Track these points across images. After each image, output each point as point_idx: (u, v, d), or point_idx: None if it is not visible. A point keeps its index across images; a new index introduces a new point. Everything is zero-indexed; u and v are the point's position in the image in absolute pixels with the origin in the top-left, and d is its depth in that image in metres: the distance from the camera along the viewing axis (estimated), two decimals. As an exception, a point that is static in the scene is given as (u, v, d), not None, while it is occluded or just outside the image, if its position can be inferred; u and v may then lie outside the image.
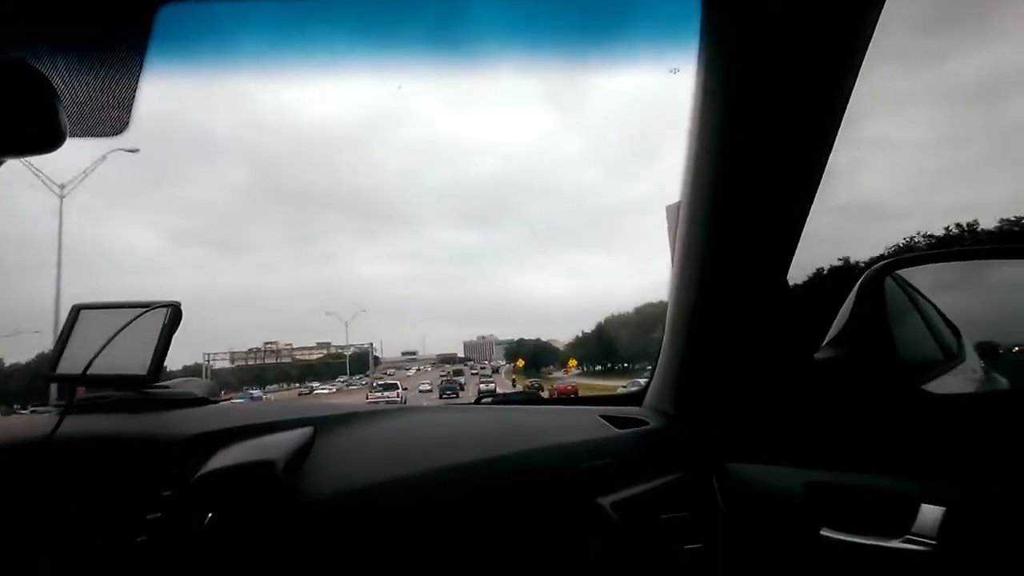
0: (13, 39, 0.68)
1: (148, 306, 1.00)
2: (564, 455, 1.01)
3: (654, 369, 1.23)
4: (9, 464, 0.83)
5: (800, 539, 0.92)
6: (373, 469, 0.91)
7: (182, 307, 1.03)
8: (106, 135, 0.78)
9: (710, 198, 0.92)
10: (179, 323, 1.01)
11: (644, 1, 0.93)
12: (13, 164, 0.72)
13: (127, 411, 0.96)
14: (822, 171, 0.86)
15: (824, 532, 0.90)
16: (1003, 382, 1.15)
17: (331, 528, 0.84)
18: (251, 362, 31.63)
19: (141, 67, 0.73)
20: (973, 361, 1.22)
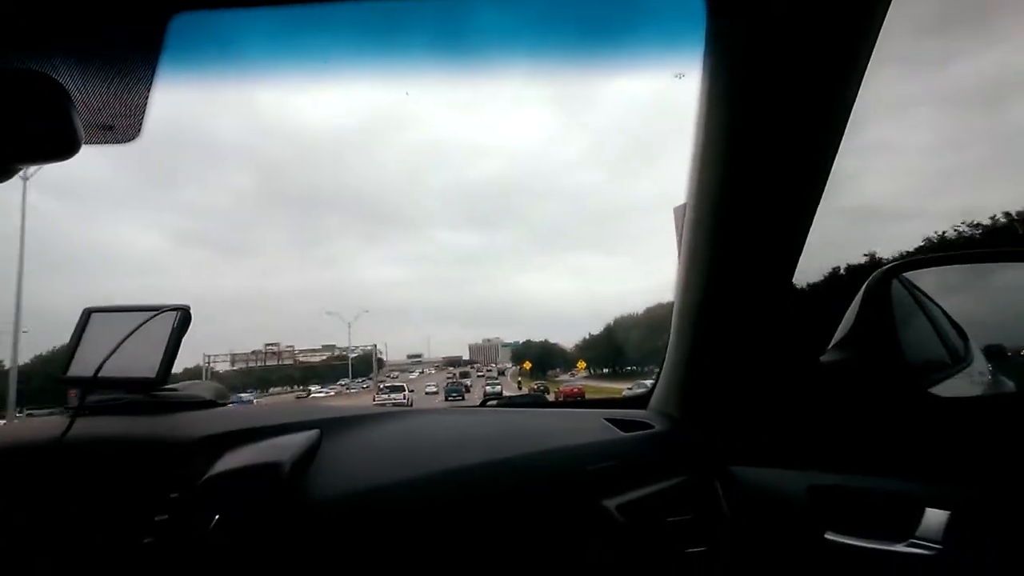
0: (30, 49, 0.70)
1: (158, 309, 1.02)
2: (569, 458, 1.01)
3: (659, 372, 1.24)
4: (22, 465, 0.85)
5: (804, 543, 0.92)
6: (379, 471, 0.92)
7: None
8: (119, 142, 0.80)
9: (715, 201, 0.92)
10: (188, 326, 1.03)
11: (649, 6, 0.93)
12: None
13: (136, 413, 0.98)
14: (827, 175, 0.86)
15: (828, 536, 0.90)
16: (1010, 385, 1.14)
17: (337, 530, 0.84)
18: (251, 364, 31.29)
19: (153, 75, 0.74)
20: (980, 364, 1.21)
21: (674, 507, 0.98)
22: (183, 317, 1.02)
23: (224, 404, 1.11)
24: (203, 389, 1.11)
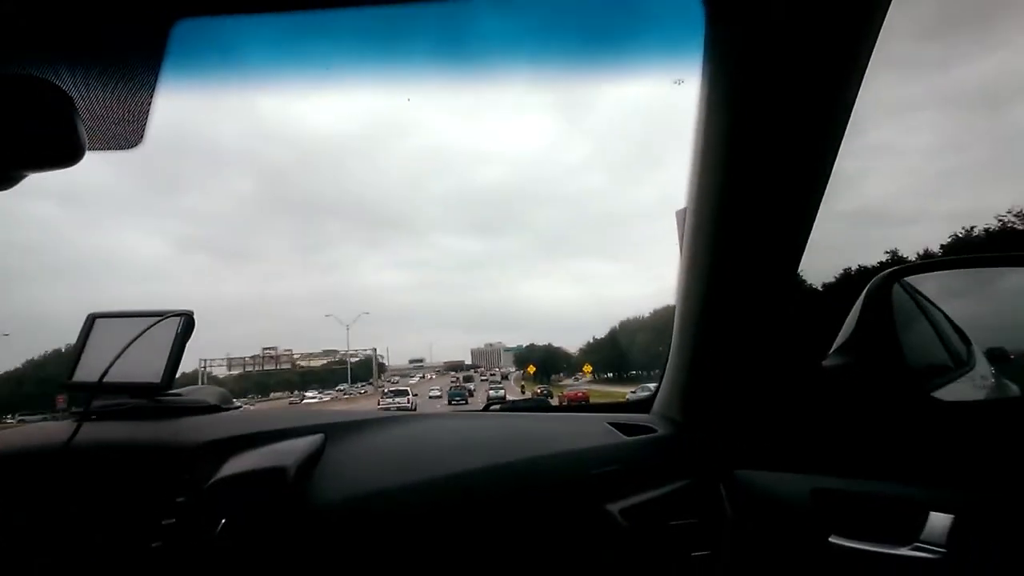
0: (34, 56, 0.70)
1: (162, 315, 1.02)
2: (573, 462, 1.01)
3: (662, 376, 1.24)
4: (30, 469, 0.85)
5: (808, 546, 0.92)
6: (383, 475, 0.92)
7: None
8: (121, 148, 0.80)
9: (715, 206, 0.92)
10: (192, 332, 1.03)
11: (648, 13, 0.94)
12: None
13: (141, 418, 0.98)
14: (827, 178, 0.87)
15: (832, 539, 0.90)
16: (1014, 389, 1.14)
17: (342, 534, 0.84)
18: (249, 368, 30.56)
19: (156, 81, 0.75)
20: (983, 368, 1.21)
21: (677, 511, 0.98)
22: (187, 322, 1.03)
23: (228, 409, 1.11)
24: (207, 394, 1.11)
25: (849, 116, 0.80)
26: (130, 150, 0.80)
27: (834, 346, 1.04)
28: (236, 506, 0.79)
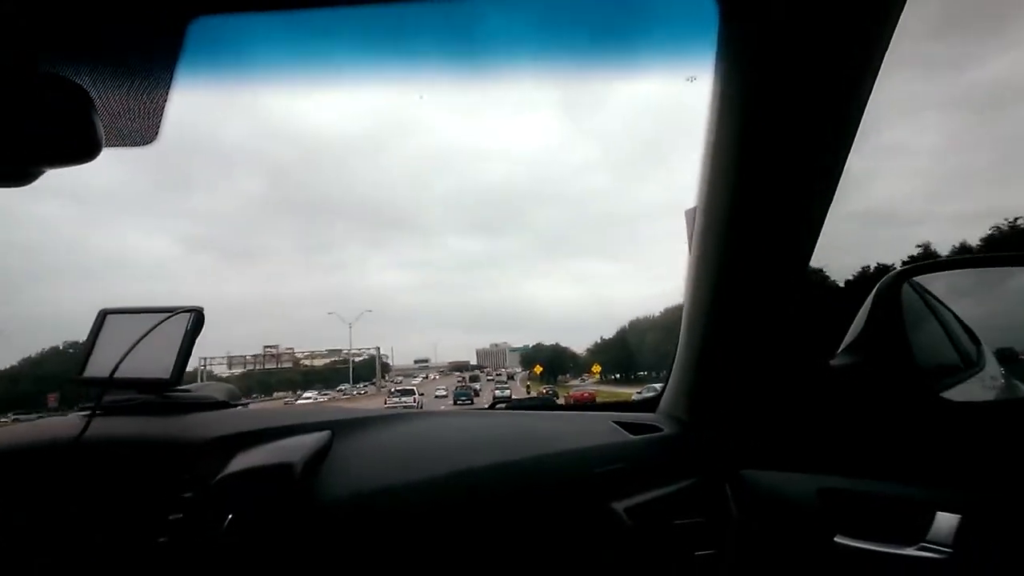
0: (53, 53, 0.71)
1: (172, 311, 1.03)
2: (578, 460, 1.01)
3: (668, 375, 1.24)
4: (40, 464, 0.86)
5: (814, 546, 0.92)
6: (389, 472, 0.92)
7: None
8: (137, 144, 0.81)
9: (726, 204, 0.92)
10: (202, 328, 1.04)
11: (660, 10, 0.94)
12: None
13: (151, 414, 0.99)
14: (839, 178, 0.86)
15: (838, 539, 0.89)
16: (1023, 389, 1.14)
17: (348, 530, 0.85)
18: (249, 367, 29.51)
19: (172, 78, 0.76)
20: (993, 368, 1.20)
21: (683, 510, 0.98)
22: (196, 318, 1.03)
23: (236, 405, 1.12)
24: (216, 390, 1.12)
25: (862, 116, 0.80)
26: (141, 147, 0.81)
27: (843, 345, 1.04)
28: (243, 502, 0.80)
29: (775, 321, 1.01)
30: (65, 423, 0.94)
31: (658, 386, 1.34)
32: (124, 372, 0.97)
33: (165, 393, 1.03)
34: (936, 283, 1.17)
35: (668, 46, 0.88)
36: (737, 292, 0.99)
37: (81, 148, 0.63)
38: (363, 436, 1.01)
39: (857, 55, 0.75)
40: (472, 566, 0.89)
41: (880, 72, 0.76)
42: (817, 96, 0.78)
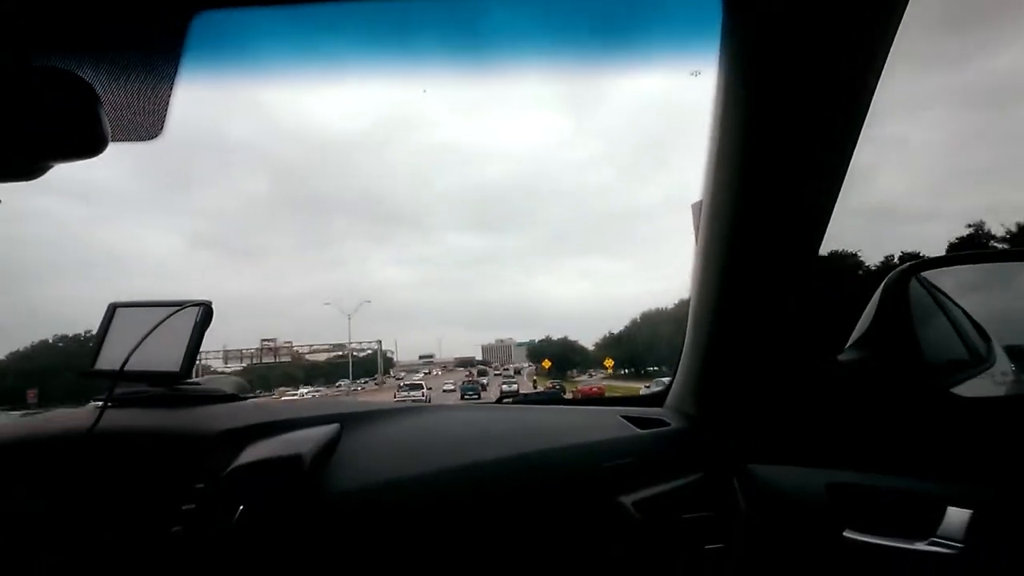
0: (58, 48, 0.71)
1: (181, 305, 1.04)
2: (585, 454, 1.02)
3: (675, 370, 1.23)
4: (53, 456, 0.87)
5: (822, 541, 0.92)
6: (397, 465, 0.93)
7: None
8: (142, 139, 0.81)
9: (731, 199, 0.92)
10: (210, 321, 1.05)
11: (664, 4, 0.93)
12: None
13: (162, 406, 1.00)
14: (844, 172, 0.86)
15: (847, 534, 0.89)
16: None
17: (356, 521, 0.86)
18: (246, 362, 28.05)
19: (176, 73, 0.76)
20: (1003, 364, 1.19)
21: (691, 504, 0.98)
22: (205, 312, 1.04)
23: (245, 399, 1.13)
24: (225, 384, 1.13)
25: (868, 109, 0.79)
26: (151, 141, 0.81)
27: (850, 340, 1.04)
28: (254, 493, 0.81)
29: (782, 315, 1.00)
30: (78, 415, 0.96)
31: (666, 380, 1.34)
32: (134, 365, 0.98)
33: (175, 386, 1.04)
34: (944, 278, 1.16)
35: (672, 40, 0.88)
36: (744, 286, 0.99)
37: (87, 143, 0.64)
38: (371, 429, 1.02)
39: (862, 47, 0.74)
40: (480, 559, 0.90)
41: (886, 65, 0.75)
42: (822, 89, 0.78)
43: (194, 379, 1.07)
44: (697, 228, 1.02)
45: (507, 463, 0.97)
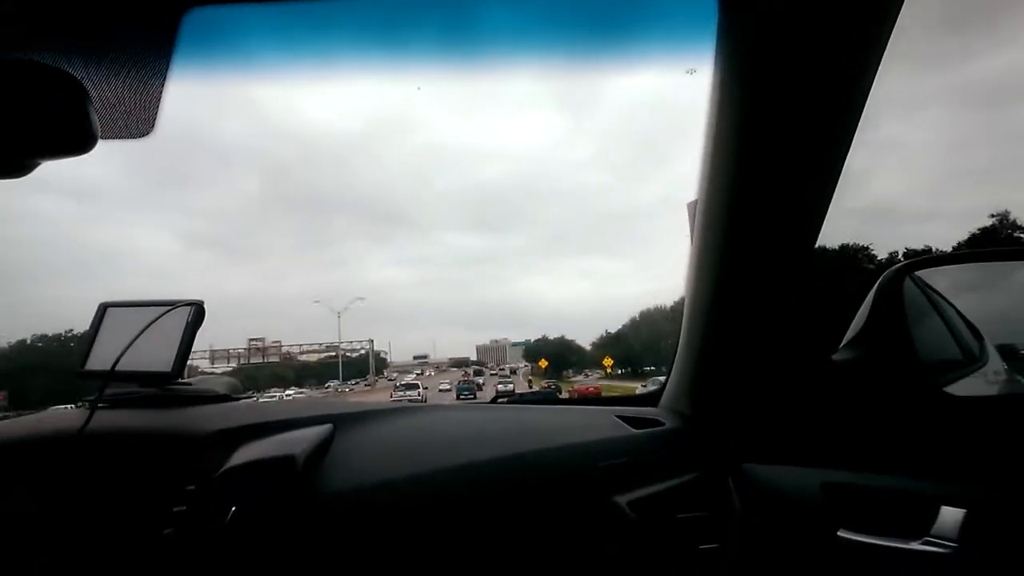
0: (46, 43, 0.71)
1: (173, 304, 1.03)
2: (580, 454, 1.01)
3: (670, 370, 1.23)
4: (43, 457, 0.86)
5: (817, 540, 0.92)
6: (391, 466, 0.92)
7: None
8: (133, 137, 0.81)
9: (726, 198, 0.92)
10: (202, 321, 1.04)
11: (660, 2, 0.93)
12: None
13: (153, 407, 0.99)
14: (839, 172, 0.86)
15: (841, 533, 0.89)
16: None
17: (349, 522, 0.85)
18: (233, 362, 27.03)
19: (167, 70, 0.75)
20: (995, 363, 1.20)
21: (686, 504, 0.98)
22: (197, 312, 1.03)
23: (238, 399, 1.12)
24: (217, 384, 1.12)
25: (863, 108, 0.79)
26: (143, 138, 0.81)
27: (845, 340, 1.04)
28: (246, 494, 0.80)
29: (777, 315, 1.00)
30: (68, 416, 0.94)
31: (661, 379, 1.34)
32: (125, 365, 0.97)
33: (167, 386, 1.03)
34: (938, 277, 1.17)
35: (668, 38, 0.88)
36: (739, 286, 0.99)
37: (77, 140, 0.63)
38: (365, 430, 1.01)
39: (858, 46, 0.74)
40: (475, 560, 0.89)
41: (882, 63, 0.75)
42: (818, 88, 0.78)
43: (186, 379, 1.06)
44: (692, 227, 1.02)
45: (502, 463, 0.96)
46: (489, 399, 1.51)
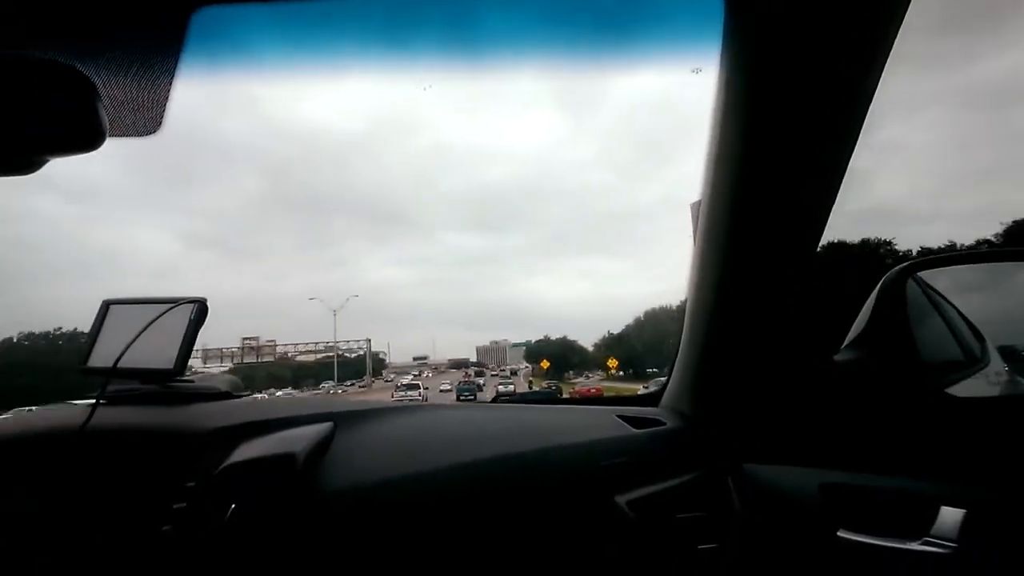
0: (56, 40, 0.71)
1: (175, 302, 1.03)
2: (581, 453, 1.02)
3: (671, 370, 1.24)
4: (44, 453, 0.86)
5: (816, 540, 0.92)
6: (391, 464, 0.92)
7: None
8: (140, 135, 0.81)
9: (730, 199, 0.92)
10: (205, 319, 1.04)
11: (665, 3, 0.94)
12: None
13: (154, 404, 0.99)
14: (844, 172, 0.86)
15: (841, 533, 0.89)
16: None
17: (349, 520, 0.85)
18: (227, 362, 26.51)
19: (175, 69, 0.75)
20: (997, 364, 1.20)
21: (685, 504, 0.98)
22: (200, 309, 1.03)
23: (239, 396, 1.12)
24: (219, 381, 1.12)
25: (868, 109, 0.79)
26: (150, 136, 0.81)
27: (846, 341, 1.04)
28: (246, 492, 0.80)
29: (778, 315, 1.00)
30: (70, 412, 0.95)
31: (664, 379, 1.35)
32: (128, 362, 0.97)
33: (168, 383, 1.03)
34: (940, 278, 1.17)
35: (673, 38, 0.88)
36: (741, 286, 0.99)
37: (85, 137, 0.63)
38: (365, 428, 1.01)
39: (863, 47, 0.74)
40: (475, 558, 0.89)
41: (887, 66, 0.75)
42: (822, 89, 0.78)
43: (187, 376, 1.06)
44: (695, 227, 1.02)
45: (502, 462, 0.96)
46: (490, 399, 1.51)
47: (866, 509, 0.91)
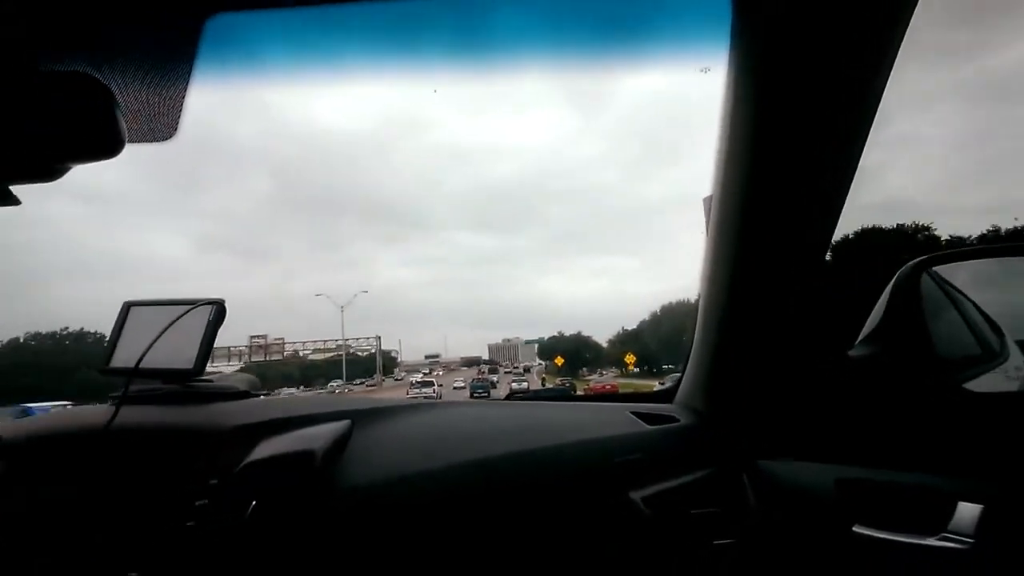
0: (75, 50, 0.73)
1: (194, 303, 1.05)
2: (595, 450, 1.02)
3: (685, 366, 1.24)
4: (72, 450, 0.88)
5: (832, 536, 0.92)
6: (407, 461, 0.94)
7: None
8: (157, 140, 0.82)
9: (741, 195, 0.92)
10: (223, 319, 1.06)
11: (673, 2, 0.93)
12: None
13: (175, 403, 1.01)
14: (855, 168, 0.86)
15: (856, 529, 0.89)
16: None
17: (367, 516, 0.87)
18: (234, 361, 25.89)
19: (190, 74, 0.77)
20: (1017, 359, 1.18)
21: (700, 500, 0.99)
22: (218, 310, 1.05)
23: (258, 395, 1.14)
24: (238, 380, 1.14)
25: (878, 105, 0.79)
26: (166, 142, 0.82)
27: (861, 336, 1.03)
28: (266, 489, 0.82)
29: (792, 311, 1.00)
30: (95, 411, 0.97)
31: (678, 376, 1.35)
32: (149, 363, 0.99)
33: (189, 383, 1.05)
34: (956, 273, 1.15)
35: (681, 38, 0.88)
36: (754, 282, 0.99)
37: (105, 144, 0.65)
38: (382, 426, 1.02)
39: (872, 43, 0.74)
40: (490, 554, 0.90)
41: (896, 62, 0.75)
42: (831, 87, 0.78)
43: (207, 376, 1.08)
44: (707, 222, 1.02)
45: (517, 459, 0.97)
46: (503, 396, 1.52)
47: (882, 504, 0.90)
